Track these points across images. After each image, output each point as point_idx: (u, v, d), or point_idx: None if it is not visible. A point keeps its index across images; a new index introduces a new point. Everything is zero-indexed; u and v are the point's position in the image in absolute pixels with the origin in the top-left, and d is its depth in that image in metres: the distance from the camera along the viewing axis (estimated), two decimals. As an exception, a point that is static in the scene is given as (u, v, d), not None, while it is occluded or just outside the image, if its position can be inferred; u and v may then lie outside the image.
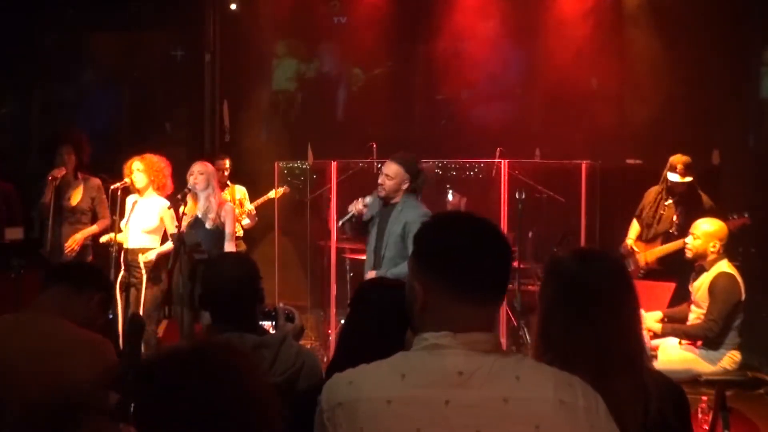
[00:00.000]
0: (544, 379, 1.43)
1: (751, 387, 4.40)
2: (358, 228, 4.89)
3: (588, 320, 1.92)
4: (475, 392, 1.40)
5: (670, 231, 5.70)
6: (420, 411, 1.38)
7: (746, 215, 5.22)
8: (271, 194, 6.77)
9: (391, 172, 4.60)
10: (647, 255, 5.72)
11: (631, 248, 5.82)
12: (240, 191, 6.91)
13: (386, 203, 4.69)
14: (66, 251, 5.62)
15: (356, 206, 4.77)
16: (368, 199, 4.76)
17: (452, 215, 1.73)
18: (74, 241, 5.66)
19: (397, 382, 1.41)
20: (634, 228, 5.93)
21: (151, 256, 5.37)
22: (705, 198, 5.68)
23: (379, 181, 4.65)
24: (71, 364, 2.24)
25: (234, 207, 5.72)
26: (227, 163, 6.86)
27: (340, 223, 4.91)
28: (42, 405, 2.18)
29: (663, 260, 5.65)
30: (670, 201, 5.71)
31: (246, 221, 6.79)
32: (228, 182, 6.87)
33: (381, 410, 1.38)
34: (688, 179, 5.55)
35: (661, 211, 5.75)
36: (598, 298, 1.95)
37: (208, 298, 2.56)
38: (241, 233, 6.66)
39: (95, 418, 2.25)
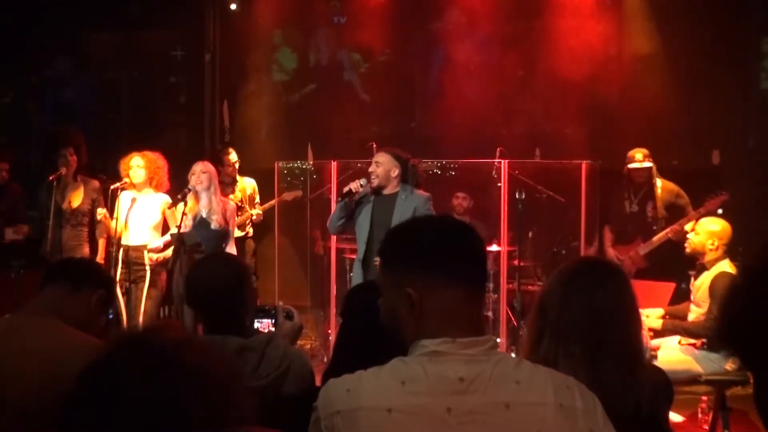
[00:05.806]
0: (543, 383, 1.43)
1: (751, 387, 4.38)
2: (349, 210, 4.92)
3: (585, 300, 1.98)
4: (476, 398, 1.39)
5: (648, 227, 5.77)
6: (422, 419, 1.37)
7: (723, 192, 5.32)
8: (285, 196, 6.60)
9: (379, 159, 4.83)
10: (632, 256, 5.76)
11: (616, 257, 5.83)
12: (250, 185, 6.71)
13: (379, 192, 4.83)
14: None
15: (353, 184, 4.88)
16: (363, 180, 4.90)
17: (416, 219, 1.90)
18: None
19: (398, 390, 1.40)
20: (608, 235, 6.03)
21: (157, 254, 5.36)
22: (665, 183, 5.77)
23: (370, 170, 4.84)
24: (64, 368, 2.20)
25: (236, 208, 5.69)
26: (234, 156, 6.58)
27: (339, 199, 4.96)
28: (35, 410, 2.15)
29: (649, 257, 5.70)
30: (637, 197, 5.84)
31: (256, 211, 6.58)
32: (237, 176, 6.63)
33: (382, 419, 1.37)
34: (648, 164, 5.73)
35: (632, 210, 5.86)
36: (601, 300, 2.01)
37: (191, 300, 2.50)
38: (250, 232, 6.61)
39: None
